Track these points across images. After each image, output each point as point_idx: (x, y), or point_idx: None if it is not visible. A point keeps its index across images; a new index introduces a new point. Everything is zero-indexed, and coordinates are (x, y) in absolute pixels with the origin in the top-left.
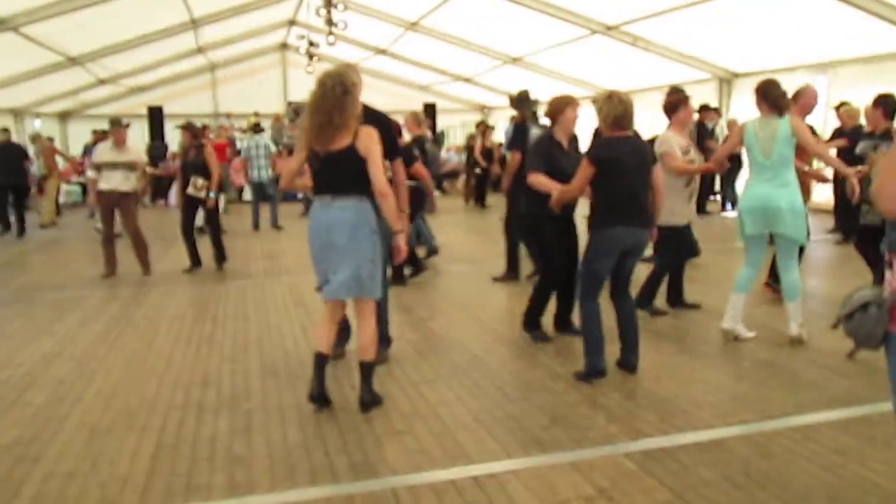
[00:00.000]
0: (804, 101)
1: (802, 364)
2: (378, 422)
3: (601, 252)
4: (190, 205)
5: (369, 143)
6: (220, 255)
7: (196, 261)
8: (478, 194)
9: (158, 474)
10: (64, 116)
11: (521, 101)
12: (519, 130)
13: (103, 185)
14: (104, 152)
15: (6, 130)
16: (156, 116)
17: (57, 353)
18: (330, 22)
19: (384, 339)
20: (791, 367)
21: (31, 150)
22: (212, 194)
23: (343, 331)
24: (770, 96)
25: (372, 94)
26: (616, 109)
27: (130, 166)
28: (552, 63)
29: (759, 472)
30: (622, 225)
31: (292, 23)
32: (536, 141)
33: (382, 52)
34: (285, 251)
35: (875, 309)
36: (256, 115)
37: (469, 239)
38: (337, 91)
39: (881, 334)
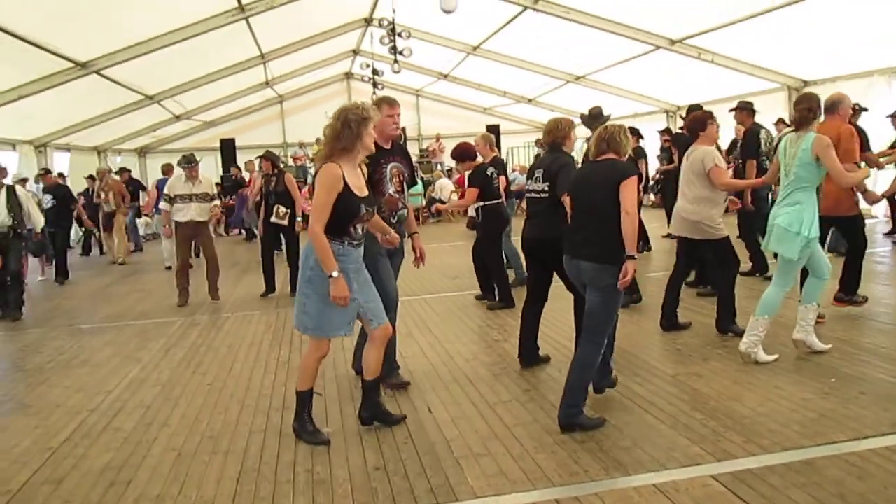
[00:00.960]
0: (843, 110)
1: (894, 380)
2: (455, 444)
3: None
4: (271, 232)
5: (318, 180)
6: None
7: (272, 286)
8: None
9: (243, 497)
10: (142, 152)
11: (595, 118)
12: None
13: (180, 217)
14: (178, 186)
15: (48, 172)
16: (228, 148)
17: (143, 379)
18: (395, 50)
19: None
20: (881, 382)
21: (95, 186)
22: (298, 219)
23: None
24: (795, 110)
25: (435, 119)
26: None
27: (204, 197)
28: (615, 80)
29: (856, 494)
30: (565, 253)
31: (356, 52)
32: (568, 166)
33: (444, 76)
34: None
35: None
36: (318, 142)
37: None
38: (335, 123)
39: None
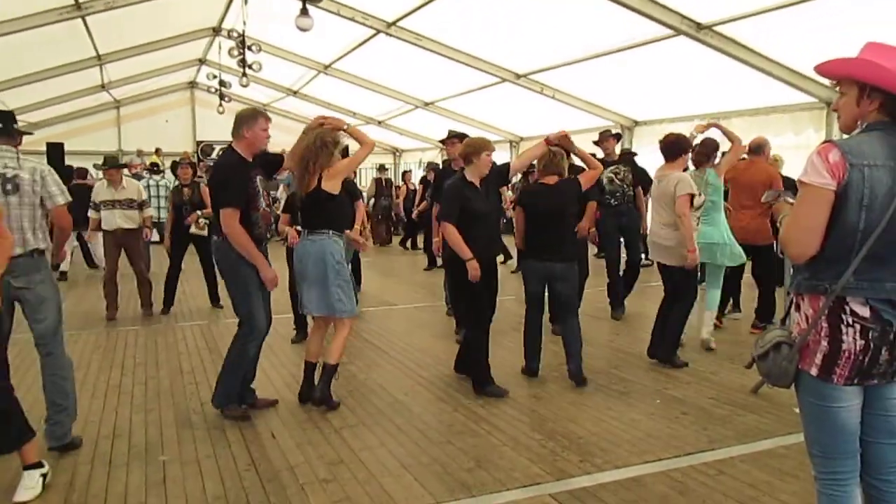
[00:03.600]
0: (766, 151)
1: (711, 400)
2: (300, 470)
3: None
4: (182, 245)
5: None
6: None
7: (171, 302)
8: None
9: None
10: None
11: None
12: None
13: (107, 226)
14: (102, 191)
15: None
16: (56, 153)
17: None
18: (244, 63)
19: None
20: (700, 403)
21: None
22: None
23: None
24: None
25: (282, 135)
26: (543, 159)
27: (129, 204)
28: (463, 108)
29: None
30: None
31: (202, 62)
32: (449, 186)
33: (294, 93)
34: (195, 294)
35: (787, 348)
36: (157, 152)
37: (385, 281)
38: (316, 143)
39: (793, 372)
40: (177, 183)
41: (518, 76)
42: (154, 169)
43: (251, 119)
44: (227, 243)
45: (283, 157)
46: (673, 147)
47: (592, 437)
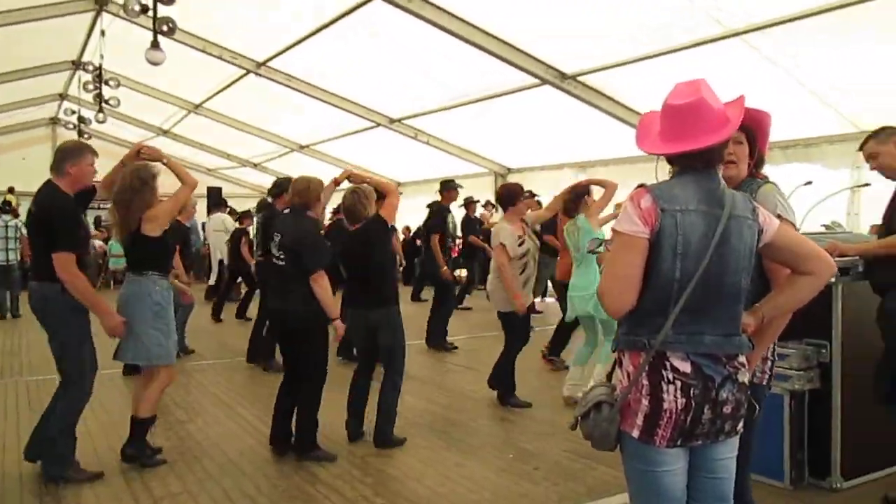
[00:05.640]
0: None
1: (566, 454)
2: None
3: None
4: None
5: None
6: None
7: None
8: None
9: None
10: None
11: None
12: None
13: None
14: None
15: None
16: None
17: None
18: (100, 97)
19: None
20: (555, 457)
21: None
22: None
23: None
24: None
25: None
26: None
27: None
28: (340, 152)
29: None
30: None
31: (63, 97)
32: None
33: (164, 132)
34: (32, 345)
35: (608, 408)
36: (11, 191)
37: (241, 331)
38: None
39: (615, 434)
40: None
41: (392, 121)
42: (5, 208)
43: (77, 153)
44: (56, 290)
45: (95, 189)
46: (504, 197)
47: (437, 497)
